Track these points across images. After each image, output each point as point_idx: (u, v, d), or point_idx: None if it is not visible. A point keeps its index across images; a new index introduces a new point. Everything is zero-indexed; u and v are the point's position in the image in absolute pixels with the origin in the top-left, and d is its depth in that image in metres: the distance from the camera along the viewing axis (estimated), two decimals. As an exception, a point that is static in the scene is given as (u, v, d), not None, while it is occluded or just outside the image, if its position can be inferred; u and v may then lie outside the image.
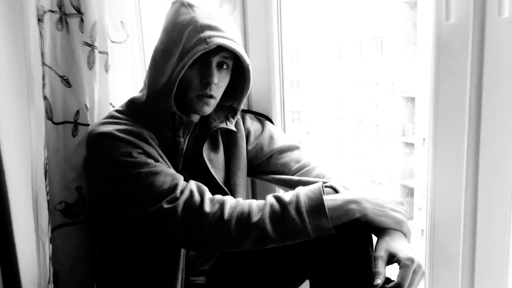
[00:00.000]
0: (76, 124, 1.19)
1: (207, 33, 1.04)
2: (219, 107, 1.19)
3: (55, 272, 1.22)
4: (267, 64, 1.48)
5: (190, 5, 1.08)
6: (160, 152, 1.09)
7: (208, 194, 1.03)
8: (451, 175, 1.15)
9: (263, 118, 1.39)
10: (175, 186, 1.01)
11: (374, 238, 1.02)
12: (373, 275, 0.93)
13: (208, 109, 1.12)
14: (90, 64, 1.18)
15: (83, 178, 1.21)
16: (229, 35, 1.07)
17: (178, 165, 1.12)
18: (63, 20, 1.16)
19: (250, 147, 1.30)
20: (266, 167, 1.30)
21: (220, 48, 1.05)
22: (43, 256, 1.14)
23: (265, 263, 1.15)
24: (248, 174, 1.32)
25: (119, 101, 1.21)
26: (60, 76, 1.18)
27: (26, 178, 1.13)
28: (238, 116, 1.26)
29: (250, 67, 1.14)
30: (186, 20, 1.06)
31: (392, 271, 0.95)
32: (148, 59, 1.14)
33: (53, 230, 1.20)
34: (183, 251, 1.11)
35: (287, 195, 1.00)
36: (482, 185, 1.11)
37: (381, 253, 0.95)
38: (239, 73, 1.17)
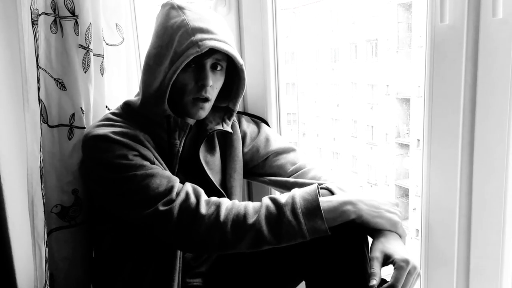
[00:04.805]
0: (71, 127, 1.19)
1: (199, 36, 1.03)
2: (215, 108, 1.19)
3: (51, 275, 1.22)
4: (263, 66, 1.48)
5: (180, 8, 1.07)
6: (156, 154, 1.08)
7: (204, 196, 1.02)
8: (446, 175, 1.16)
9: (259, 120, 1.39)
10: (171, 188, 1.01)
11: (370, 240, 1.03)
12: (368, 276, 0.93)
13: (204, 113, 1.12)
14: (85, 67, 1.18)
15: (79, 181, 1.21)
16: (221, 37, 1.06)
17: (174, 167, 1.12)
18: (57, 22, 1.16)
19: (246, 149, 1.30)
20: (262, 169, 1.30)
21: (213, 51, 1.05)
22: (39, 259, 1.14)
23: (261, 265, 1.14)
24: (244, 176, 1.32)
25: (115, 104, 1.21)
26: (55, 79, 1.17)
27: (21, 181, 1.13)
28: (234, 118, 1.27)
29: (244, 67, 1.14)
30: (177, 23, 1.05)
31: (388, 272, 0.95)
32: (143, 62, 1.13)
33: (49, 233, 1.20)
34: (179, 253, 1.11)
35: (283, 197, 1.00)
36: (476, 185, 1.12)
37: (377, 254, 0.95)
38: (234, 73, 1.17)
